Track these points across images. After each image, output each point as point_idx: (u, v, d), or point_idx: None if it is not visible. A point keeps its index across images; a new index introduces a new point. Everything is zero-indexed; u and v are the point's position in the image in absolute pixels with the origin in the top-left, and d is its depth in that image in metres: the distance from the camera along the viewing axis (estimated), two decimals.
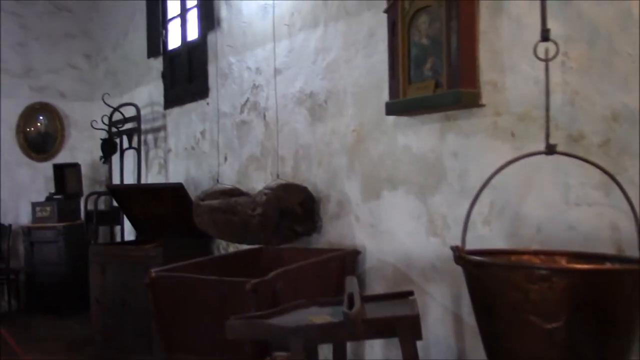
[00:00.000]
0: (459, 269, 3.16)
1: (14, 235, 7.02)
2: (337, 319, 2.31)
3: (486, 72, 2.99)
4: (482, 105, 3.00)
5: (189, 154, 5.62)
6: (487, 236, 3.00)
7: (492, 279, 2.07)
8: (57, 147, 7.48)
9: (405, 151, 3.45)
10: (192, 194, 5.07)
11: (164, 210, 5.28)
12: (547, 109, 2.31)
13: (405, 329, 2.12)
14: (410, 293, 2.64)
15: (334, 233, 3.99)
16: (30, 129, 7.35)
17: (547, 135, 2.30)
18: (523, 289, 1.97)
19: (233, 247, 4.99)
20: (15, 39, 7.24)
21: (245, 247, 4.68)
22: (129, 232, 6.39)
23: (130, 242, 5.65)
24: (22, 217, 7.17)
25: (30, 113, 7.33)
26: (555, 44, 2.29)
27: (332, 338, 2.16)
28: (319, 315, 2.44)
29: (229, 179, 4.91)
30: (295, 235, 3.97)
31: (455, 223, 3.17)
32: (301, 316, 2.49)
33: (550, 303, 1.92)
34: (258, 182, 4.67)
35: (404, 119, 3.45)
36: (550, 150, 2.28)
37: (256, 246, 4.02)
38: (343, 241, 3.90)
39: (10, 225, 6.97)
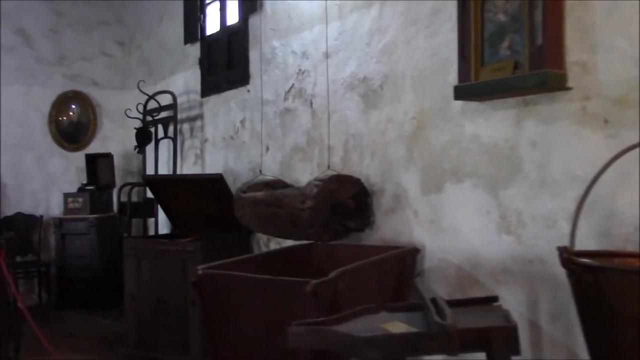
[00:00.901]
0: (535, 271, 2.87)
1: (45, 226, 6.83)
2: (418, 328, 2.01)
3: (573, 51, 2.66)
4: (569, 89, 2.67)
5: (228, 144, 5.35)
6: None
7: (611, 287, 1.75)
8: (90, 136, 7.27)
9: (473, 140, 3.13)
10: (231, 185, 4.82)
11: (202, 202, 5.02)
12: None
13: (502, 342, 1.81)
14: (494, 299, 2.33)
15: (388, 229, 3.68)
16: (62, 118, 7.16)
17: None
18: None
19: (274, 243, 4.72)
20: (48, 25, 7.04)
21: (289, 242, 4.41)
22: (162, 225, 6.15)
23: (165, 236, 5.40)
24: (53, 208, 6.97)
25: (62, 102, 7.13)
26: None
27: (416, 351, 1.87)
28: (394, 323, 2.14)
29: (270, 171, 4.62)
30: (347, 231, 3.68)
31: (533, 220, 2.85)
32: (371, 323, 2.20)
33: None
34: (303, 174, 4.38)
35: (472, 105, 3.13)
36: None
37: (305, 242, 3.73)
38: (399, 238, 3.60)
39: (41, 217, 6.78)
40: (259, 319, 2.62)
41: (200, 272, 2.72)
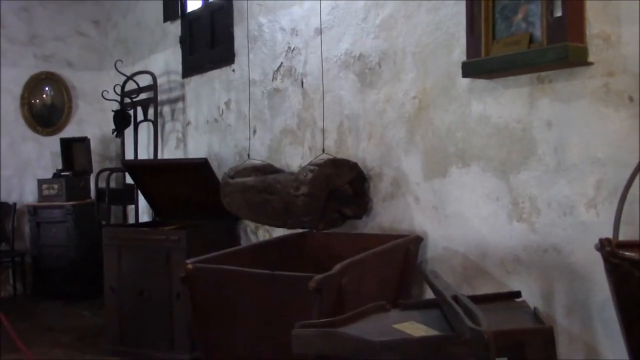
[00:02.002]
0: (550, 261, 2.67)
1: (18, 214, 6.49)
2: (436, 329, 1.81)
3: (595, 23, 2.45)
4: (590, 64, 2.46)
5: (212, 127, 5.08)
6: (593, 223, 2.49)
7: None
8: (65, 120, 6.93)
9: (481, 121, 2.92)
10: (216, 170, 4.57)
11: (185, 188, 4.76)
12: None
13: (537, 346, 1.61)
14: (517, 294, 2.13)
15: (386, 216, 3.47)
16: (35, 101, 6.80)
17: None
18: None
19: (263, 231, 4.49)
20: (19, 3, 6.64)
21: (280, 231, 4.18)
22: (142, 212, 5.88)
23: (147, 224, 5.14)
24: (27, 195, 6.63)
25: (35, 83, 6.77)
26: None
27: (440, 356, 1.66)
28: (410, 324, 1.93)
29: (258, 155, 4.37)
30: (343, 218, 3.46)
31: (548, 206, 2.65)
32: (383, 324, 1.99)
33: None
34: (293, 158, 4.15)
35: (480, 83, 2.91)
36: None
37: (298, 231, 3.51)
38: (398, 226, 3.39)
39: (14, 204, 6.44)
40: (256, 317, 2.40)
41: (190, 266, 2.48)
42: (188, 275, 2.47)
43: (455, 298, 1.82)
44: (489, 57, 2.65)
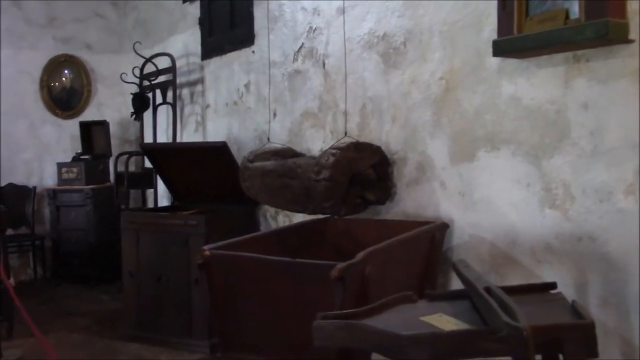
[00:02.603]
0: (585, 250, 2.52)
1: (38, 198, 6.47)
2: (466, 322, 1.70)
3: None
4: (630, 41, 2.31)
5: (231, 109, 4.98)
6: (631, 210, 2.35)
7: None
8: (84, 103, 6.87)
9: (512, 102, 2.78)
10: (235, 154, 4.48)
11: (204, 172, 4.68)
12: None
13: (577, 342, 1.49)
14: (552, 285, 2.00)
15: (410, 202, 3.35)
16: (54, 84, 6.75)
17: None
18: None
19: (283, 216, 4.40)
20: None
21: (299, 216, 4.08)
22: (162, 196, 5.82)
23: (166, 208, 5.07)
24: (47, 178, 6.61)
25: (54, 66, 6.71)
26: None
27: (473, 353, 1.55)
28: (438, 317, 1.82)
29: (278, 138, 4.27)
30: (365, 204, 3.35)
31: (583, 192, 2.51)
32: (409, 315, 1.88)
33: None
34: (314, 142, 4.04)
35: (511, 63, 2.77)
36: None
37: (319, 217, 3.40)
38: (423, 212, 3.27)
39: (34, 188, 6.42)
40: (275, 305, 2.30)
41: (207, 252, 2.39)
42: (205, 261, 2.38)
43: (488, 290, 1.70)
44: (523, 35, 2.51)
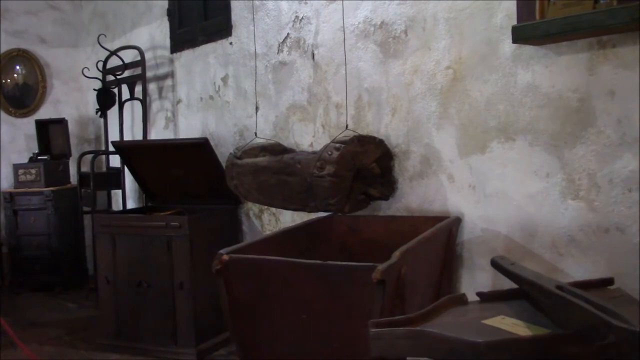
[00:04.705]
0: (613, 242, 2.44)
1: None
2: (530, 323, 1.58)
3: None
4: None
5: (207, 104, 4.75)
6: None
7: None
8: (39, 100, 6.48)
9: (529, 91, 2.69)
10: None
11: (181, 171, 4.45)
12: None
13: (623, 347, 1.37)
14: (609, 281, 1.90)
15: (414, 197, 3.23)
16: (6, 81, 6.33)
17: None
18: None
19: (268, 214, 4.21)
20: None
21: (287, 214, 3.93)
22: (128, 197, 5.53)
23: (141, 210, 4.80)
24: (2, 181, 6.21)
25: (5, 62, 6.29)
26: None
27: (560, 359, 1.42)
28: (501, 319, 1.69)
29: (261, 133, 4.07)
30: (369, 200, 3.21)
31: (610, 182, 2.44)
32: (467, 318, 1.75)
33: None
34: (303, 136, 3.87)
35: (527, 50, 2.67)
36: None
37: (321, 215, 3.24)
38: (429, 207, 3.15)
39: None
40: (303, 311, 2.13)
41: (225, 257, 2.20)
42: (224, 267, 2.19)
43: (561, 289, 1.58)
44: (548, 20, 2.40)
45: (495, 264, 2.04)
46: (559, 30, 2.39)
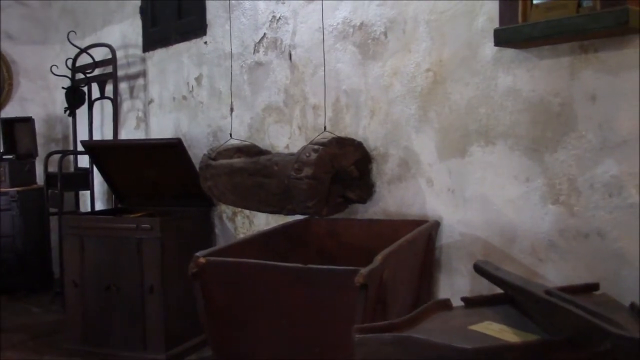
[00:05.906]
0: (593, 247, 2.43)
1: None
2: (517, 329, 1.55)
3: None
4: None
5: (179, 104, 4.66)
6: None
7: None
8: (5, 98, 6.30)
9: (510, 95, 2.67)
10: None
11: (152, 172, 4.35)
12: None
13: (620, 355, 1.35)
14: (595, 286, 1.88)
15: (392, 200, 3.19)
16: None
17: None
18: None
19: (241, 217, 4.14)
20: None
21: (262, 217, 3.86)
22: (96, 198, 5.40)
23: (110, 211, 4.68)
24: None
25: None
26: None
27: None
28: (487, 324, 1.66)
29: (236, 134, 3.99)
30: (347, 203, 3.17)
31: (591, 187, 2.43)
32: (452, 324, 1.71)
33: None
34: (279, 138, 3.81)
35: (508, 54, 2.66)
36: None
37: (298, 217, 3.19)
38: (407, 211, 3.12)
39: None
40: (283, 315, 2.08)
41: (202, 259, 2.13)
42: (201, 270, 2.12)
43: (551, 294, 1.55)
44: (531, 23, 2.39)
45: (478, 269, 2.01)
46: (541, 34, 2.38)
